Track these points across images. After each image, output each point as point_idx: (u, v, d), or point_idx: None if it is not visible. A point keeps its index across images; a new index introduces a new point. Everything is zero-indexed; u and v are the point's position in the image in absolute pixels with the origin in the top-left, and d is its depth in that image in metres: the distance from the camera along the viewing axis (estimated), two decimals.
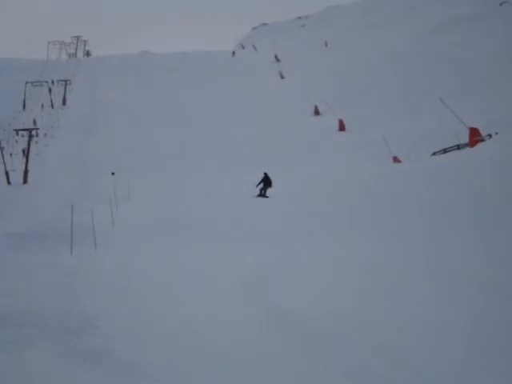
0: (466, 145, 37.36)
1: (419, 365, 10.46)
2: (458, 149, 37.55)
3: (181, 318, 13.52)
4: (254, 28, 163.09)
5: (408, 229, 22.39)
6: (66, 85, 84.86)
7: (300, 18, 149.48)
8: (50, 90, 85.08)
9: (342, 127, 56.18)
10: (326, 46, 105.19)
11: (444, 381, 10.00)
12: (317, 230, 23.11)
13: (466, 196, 25.52)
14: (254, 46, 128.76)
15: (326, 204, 26.85)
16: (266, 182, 25.25)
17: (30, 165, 46.74)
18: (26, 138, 49.83)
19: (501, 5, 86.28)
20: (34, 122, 69.60)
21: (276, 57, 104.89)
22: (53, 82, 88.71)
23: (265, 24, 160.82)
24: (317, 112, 64.53)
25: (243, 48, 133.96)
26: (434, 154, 38.96)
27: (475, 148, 35.55)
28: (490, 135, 36.81)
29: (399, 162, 39.09)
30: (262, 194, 24.07)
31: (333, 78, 76.74)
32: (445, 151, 38.40)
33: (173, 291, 16.15)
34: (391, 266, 17.14)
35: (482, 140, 36.35)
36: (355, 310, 13.51)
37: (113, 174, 45.34)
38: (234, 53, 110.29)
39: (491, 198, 24.23)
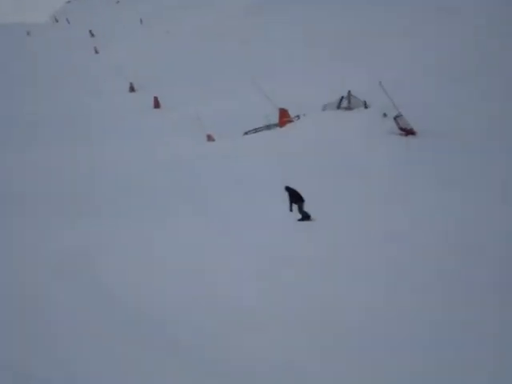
0: (275, 125, 38.69)
1: None
2: (268, 129, 38.77)
3: None
4: (68, 1, 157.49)
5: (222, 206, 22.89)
6: None
7: None
8: None
9: (156, 104, 55.89)
10: (142, 22, 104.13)
11: None
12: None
13: (276, 173, 26.51)
14: (67, 20, 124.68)
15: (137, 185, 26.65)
16: (295, 197, 18.87)
17: None
18: None
19: None
20: None
21: (91, 32, 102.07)
22: None
23: None
24: (132, 89, 63.64)
25: (57, 21, 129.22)
26: (246, 133, 39.95)
27: (284, 128, 37.03)
28: (298, 116, 38.40)
29: (213, 140, 39.65)
30: (304, 216, 18.57)
31: (149, 54, 76.12)
32: (256, 131, 39.49)
33: None
34: None
35: (291, 121, 37.87)
36: None
37: None
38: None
39: (299, 174, 25.33)
